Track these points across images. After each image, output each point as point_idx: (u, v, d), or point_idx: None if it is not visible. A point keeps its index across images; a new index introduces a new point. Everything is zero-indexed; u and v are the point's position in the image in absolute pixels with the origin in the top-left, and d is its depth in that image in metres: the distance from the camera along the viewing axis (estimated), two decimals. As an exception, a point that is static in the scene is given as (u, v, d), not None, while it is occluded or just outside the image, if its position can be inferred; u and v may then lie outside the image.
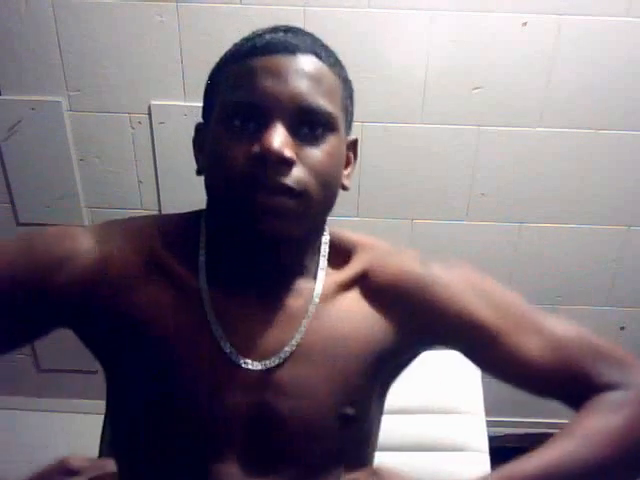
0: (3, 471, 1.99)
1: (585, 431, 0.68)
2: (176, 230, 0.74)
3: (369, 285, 0.74)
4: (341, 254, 0.76)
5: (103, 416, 1.23)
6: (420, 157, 1.67)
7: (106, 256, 0.69)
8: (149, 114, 1.64)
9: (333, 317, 0.71)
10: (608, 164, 1.68)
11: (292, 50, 0.65)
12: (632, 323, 1.90)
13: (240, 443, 0.67)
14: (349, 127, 0.75)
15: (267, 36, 0.67)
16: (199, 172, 0.73)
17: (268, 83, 0.63)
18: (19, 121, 1.65)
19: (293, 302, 0.71)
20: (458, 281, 0.75)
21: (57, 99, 1.63)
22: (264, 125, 0.63)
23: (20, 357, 1.96)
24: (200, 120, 0.76)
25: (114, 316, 0.68)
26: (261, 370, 0.67)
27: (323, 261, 0.75)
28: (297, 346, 0.68)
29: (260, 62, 0.64)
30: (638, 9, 1.49)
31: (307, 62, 0.65)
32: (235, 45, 0.70)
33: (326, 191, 0.67)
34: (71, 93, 1.63)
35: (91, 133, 1.67)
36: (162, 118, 1.64)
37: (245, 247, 0.69)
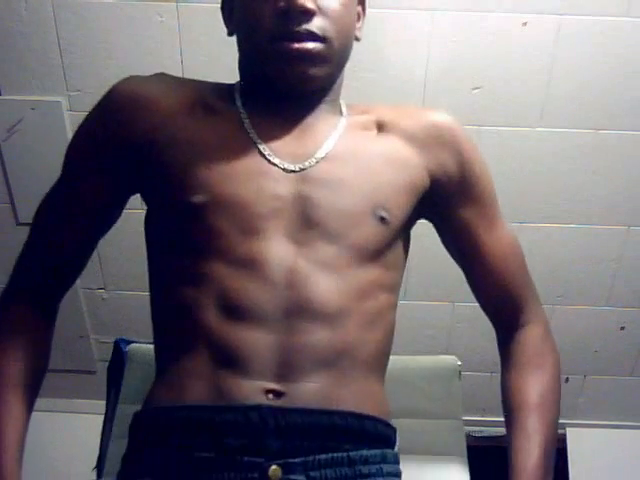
0: (3, 471, 1.99)
1: (539, 402, 0.80)
2: (215, 85, 0.85)
3: (396, 127, 0.83)
4: (358, 108, 0.87)
5: (103, 416, 1.23)
6: (420, 157, 1.67)
7: (161, 99, 0.79)
8: (149, 114, 1.64)
9: (360, 137, 0.82)
10: (608, 164, 1.68)
11: None
12: (632, 323, 1.90)
13: (285, 220, 0.74)
14: None
15: None
16: (230, 34, 0.83)
17: None
18: (19, 121, 1.65)
19: (323, 121, 0.81)
20: (473, 147, 0.86)
21: (57, 99, 1.63)
22: None
23: (20, 357, 1.96)
24: None
25: (165, 136, 0.77)
26: (299, 169, 0.76)
27: (344, 104, 0.86)
28: (330, 152, 0.78)
29: None
30: (638, 9, 1.49)
31: None
32: None
33: (343, 36, 0.78)
34: (71, 93, 1.63)
35: (91, 133, 1.67)
36: (162, 118, 1.64)
37: (278, 89, 0.78)
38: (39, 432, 2.04)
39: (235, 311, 0.71)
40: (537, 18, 1.51)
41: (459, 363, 1.17)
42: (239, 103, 0.81)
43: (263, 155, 0.76)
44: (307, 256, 0.73)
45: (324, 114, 0.82)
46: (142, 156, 0.78)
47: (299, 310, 0.71)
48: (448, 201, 0.86)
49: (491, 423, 2.04)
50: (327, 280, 0.73)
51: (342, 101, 0.87)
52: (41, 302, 0.85)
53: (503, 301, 0.89)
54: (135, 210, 1.77)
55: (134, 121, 0.78)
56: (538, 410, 0.80)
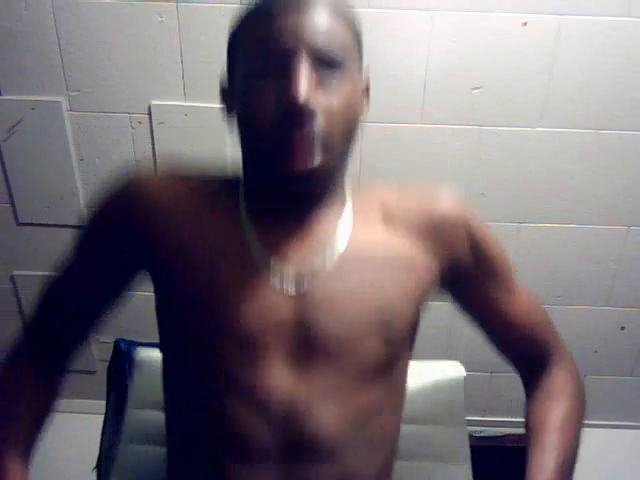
0: (3, 471, 1.99)
1: (558, 424, 0.82)
2: (223, 178, 0.83)
3: (403, 220, 0.81)
4: (363, 196, 0.84)
5: (103, 416, 1.23)
6: (420, 157, 1.67)
7: (161, 196, 0.78)
8: (149, 114, 1.64)
9: (366, 236, 0.79)
10: (608, 164, 1.68)
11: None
12: (632, 323, 1.90)
13: (286, 347, 0.72)
14: (361, 65, 0.79)
15: None
16: (229, 118, 0.81)
17: (286, 31, 0.68)
18: (19, 121, 1.65)
19: (327, 222, 0.78)
20: (481, 226, 0.86)
21: (57, 99, 1.63)
22: (288, 69, 0.68)
23: (20, 357, 1.96)
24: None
25: (169, 243, 0.76)
26: (302, 289, 0.73)
27: (349, 193, 0.82)
28: (334, 263, 0.75)
29: (275, 10, 0.70)
30: (638, 9, 1.49)
31: (318, 6, 0.71)
32: (248, 5, 0.75)
33: (346, 128, 0.73)
34: (71, 93, 1.63)
35: (91, 133, 1.67)
36: (162, 118, 1.64)
37: (279, 183, 0.74)
38: (39, 432, 2.04)
39: (236, 448, 0.71)
40: (537, 18, 1.51)
41: (464, 372, 1.17)
42: (243, 206, 0.78)
43: (266, 274, 0.74)
44: (308, 384, 0.71)
45: (327, 212, 0.79)
46: (145, 256, 0.79)
47: (299, 446, 0.70)
48: (464, 283, 0.86)
49: (491, 423, 2.04)
50: (328, 410, 0.71)
51: (347, 185, 0.84)
52: (45, 366, 0.87)
53: (529, 353, 0.91)
54: (135, 210, 1.78)
55: (139, 225, 0.78)
56: (557, 431, 0.81)
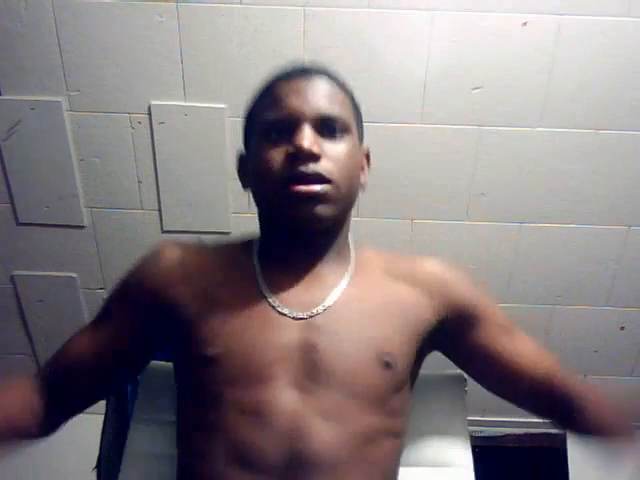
0: (4, 470, 1.99)
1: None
2: (240, 242, 0.94)
3: (401, 272, 0.89)
4: (366, 251, 0.93)
5: (103, 416, 1.23)
6: (420, 157, 1.67)
7: (185, 263, 0.88)
8: (149, 114, 1.64)
9: (367, 283, 0.87)
10: (608, 164, 1.68)
11: (309, 73, 0.84)
12: (632, 323, 1.90)
13: (291, 370, 0.78)
14: (361, 137, 0.90)
15: (287, 68, 0.86)
16: (245, 186, 0.91)
17: (294, 100, 0.81)
18: (19, 121, 1.65)
19: (332, 270, 0.86)
20: (470, 281, 0.92)
21: (57, 99, 1.63)
22: (294, 131, 0.80)
23: (20, 357, 1.96)
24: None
25: (192, 303, 0.84)
26: (307, 317, 0.81)
27: (353, 247, 0.91)
28: (337, 300, 0.83)
29: (286, 85, 0.83)
30: (638, 9, 1.49)
31: (321, 81, 0.83)
32: (262, 83, 0.88)
33: (348, 180, 0.83)
34: (71, 93, 1.63)
35: (91, 133, 1.67)
36: (162, 118, 1.64)
37: (289, 231, 0.84)
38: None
39: (243, 461, 0.75)
40: (537, 18, 1.51)
41: (466, 383, 1.17)
42: (255, 257, 0.88)
43: (273, 306, 0.82)
44: (311, 404, 0.76)
45: (332, 261, 0.87)
46: (167, 313, 0.85)
47: (300, 461, 0.74)
48: (463, 335, 0.90)
49: (491, 423, 2.05)
50: (329, 430, 0.75)
51: (350, 239, 0.92)
52: (51, 403, 0.89)
53: (548, 393, 0.90)
54: (136, 210, 1.78)
55: (166, 287, 0.86)
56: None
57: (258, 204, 0.89)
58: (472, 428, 2.06)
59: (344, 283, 0.85)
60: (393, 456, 0.84)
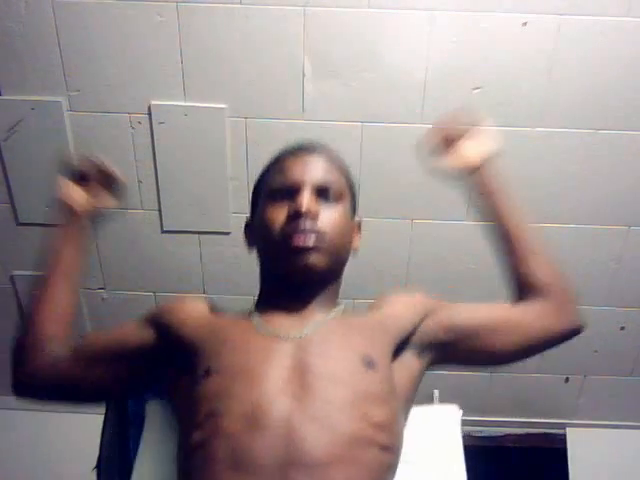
0: (3, 471, 1.99)
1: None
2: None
3: (383, 305, 1.02)
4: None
5: (103, 416, 1.23)
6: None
7: (201, 309, 1.03)
8: (149, 114, 1.64)
9: (352, 316, 1.00)
10: (608, 164, 1.68)
11: (311, 150, 1.01)
12: (632, 323, 1.90)
13: (285, 386, 0.86)
14: (354, 207, 1.05)
15: (294, 145, 1.03)
16: (250, 245, 1.07)
17: (298, 170, 0.98)
18: (19, 121, 1.65)
19: (321, 310, 0.98)
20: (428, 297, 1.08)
21: (57, 99, 1.63)
22: (296, 194, 0.95)
23: (20, 357, 1.96)
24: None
25: (196, 334, 0.96)
26: (298, 337, 0.92)
27: (341, 300, 1.04)
28: (324, 323, 0.95)
29: (292, 159, 1.00)
30: (638, 9, 1.49)
31: (321, 157, 1.01)
32: (272, 157, 1.04)
33: (340, 239, 0.97)
34: (71, 93, 1.63)
35: (91, 133, 1.67)
36: (162, 118, 1.64)
37: (286, 280, 0.97)
38: (39, 432, 2.04)
39: (239, 464, 0.81)
40: (537, 18, 1.51)
41: (460, 415, 1.18)
42: (253, 307, 1.02)
43: (265, 332, 0.93)
44: (302, 410, 0.83)
45: (322, 304, 0.99)
46: (176, 342, 0.97)
47: (293, 463, 0.80)
48: (433, 334, 1.01)
49: (491, 423, 2.04)
50: (318, 434, 0.82)
51: (342, 304, 1.03)
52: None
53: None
54: (136, 210, 1.78)
55: (180, 324, 0.99)
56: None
57: (261, 259, 1.03)
58: (472, 428, 2.07)
59: (332, 316, 0.98)
60: (383, 465, 0.87)
